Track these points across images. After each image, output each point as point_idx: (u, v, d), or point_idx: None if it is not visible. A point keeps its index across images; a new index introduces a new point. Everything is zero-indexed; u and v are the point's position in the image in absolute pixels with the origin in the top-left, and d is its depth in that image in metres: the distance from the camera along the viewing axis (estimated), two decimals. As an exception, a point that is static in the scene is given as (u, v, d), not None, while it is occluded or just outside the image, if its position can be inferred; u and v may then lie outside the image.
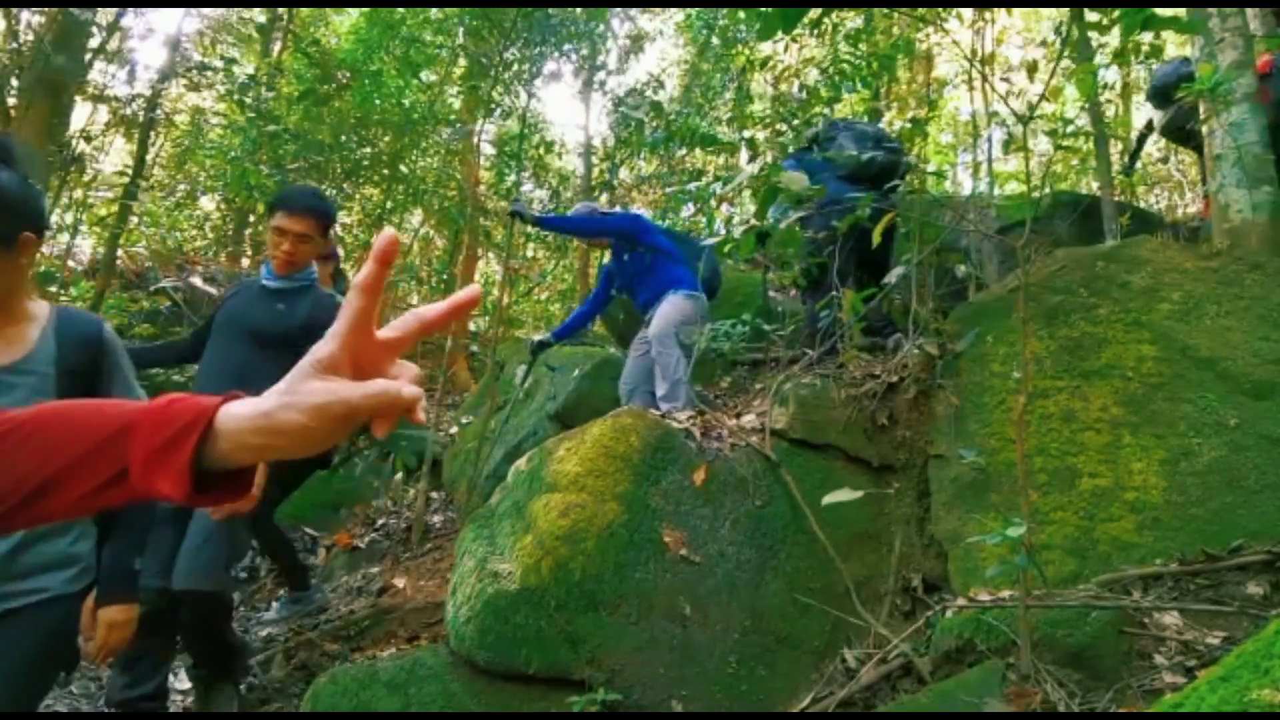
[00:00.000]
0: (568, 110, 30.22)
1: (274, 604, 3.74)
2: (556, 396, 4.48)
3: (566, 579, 2.26)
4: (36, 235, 1.51)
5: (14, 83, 6.04)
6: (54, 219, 7.08)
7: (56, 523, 1.50)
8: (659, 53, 11.64)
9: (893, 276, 3.26)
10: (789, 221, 2.92)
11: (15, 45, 6.12)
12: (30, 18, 6.21)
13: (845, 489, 2.23)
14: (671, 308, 3.82)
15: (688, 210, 7.97)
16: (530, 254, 10.83)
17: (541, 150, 9.05)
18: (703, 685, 2.21)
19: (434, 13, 8.62)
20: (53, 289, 6.26)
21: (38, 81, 5.77)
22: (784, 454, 2.77)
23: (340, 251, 3.62)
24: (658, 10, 10.44)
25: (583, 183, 9.88)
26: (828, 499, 2.24)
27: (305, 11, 9.69)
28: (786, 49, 7.76)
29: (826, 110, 5.39)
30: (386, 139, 8.64)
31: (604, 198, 9.69)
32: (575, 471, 2.52)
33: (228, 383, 2.25)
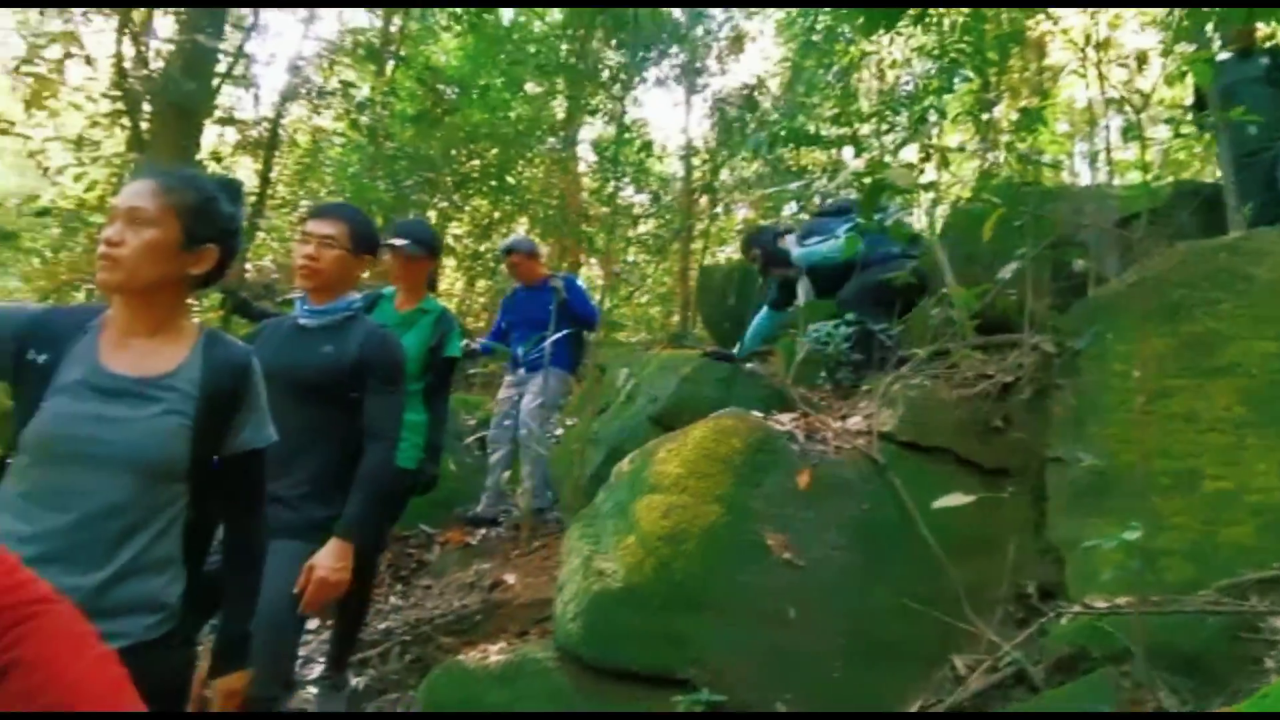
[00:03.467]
0: (668, 114, 30.44)
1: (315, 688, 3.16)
2: (657, 399, 4.51)
3: (669, 579, 2.28)
4: (221, 252, 1.54)
5: (146, 108, 6.57)
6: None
7: (155, 558, 1.45)
8: (759, 52, 11.56)
9: (1006, 272, 3.12)
10: (894, 216, 2.84)
11: (147, 72, 6.65)
12: (160, 45, 6.74)
13: (957, 493, 2.16)
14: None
15: (790, 209, 7.87)
16: (631, 259, 10.95)
17: (642, 155, 9.14)
18: (807, 690, 2.18)
19: (537, 25, 8.86)
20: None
21: (169, 107, 6.26)
22: (891, 457, 2.70)
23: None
24: (758, 10, 10.37)
25: (683, 185, 9.92)
26: (938, 503, 2.17)
27: (415, 31, 10.13)
28: (892, 41, 7.55)
29: (937, 101, 5.22)
30: (493, 151, 8.93)
31: (704, 200, 9.71)
32: (676, 473, 2.54)
33: (280, 448, 2.00)
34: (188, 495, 1.50)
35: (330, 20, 9.39)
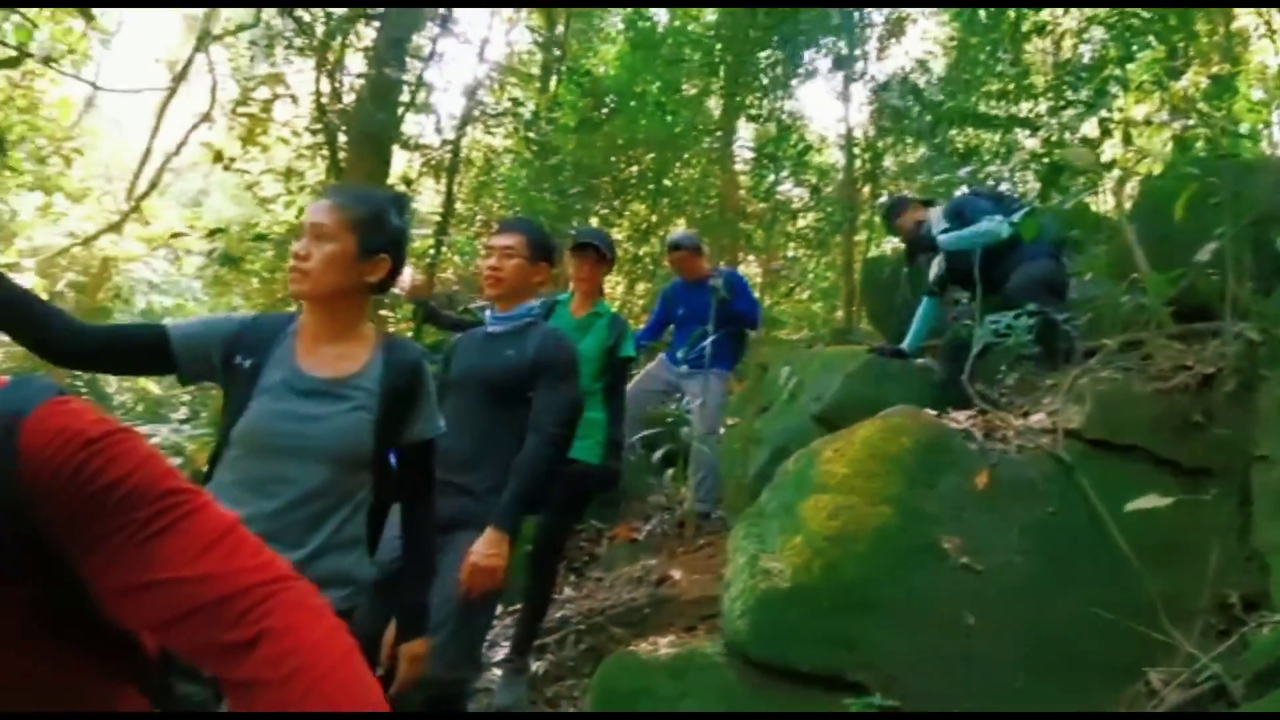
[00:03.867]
0: (826, 104, 29.72)
1: (498, 674, 3.28)
2: (821, 398, 4.44)
3: (838, 580, 2.26)
4: (392, 261, 1.71)
5: (342, 139, 7.23)
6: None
7: (346, 536, 1.67)
8: (921, 33, 11.02)
9: (1204, 253, 2.82)
10: (1074, 200, 2.64)
11: (342, 106, 7.32)
12: (352, 80, 7.39)
13: (1152, 495, 2.00)
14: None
15: (961, 194, 7.47)
16: (791, 254, 10.79)
17: (800, 148, 9.00)
18: (986, 700, 2.09)
19: (692, 28, 8.94)
20: (383, 313, 7.41)
21: (362, 136, 6.86)
22: (1079, 456, 2.52)
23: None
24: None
25: (844, 176, 9.66)
26: (1132, 505, 2.02)
27: (576, 45, 10.53)
28: (1066, 11, 6.99)
29: (1118, 71, 4.78)
30: (650, 155, 9.10)
31: (867, 190, 9.40)
32: (843, 473, 2.50)
33: (471, 443, 2.33)
34: (370, 482, 1.71)
35: (498, 44, 9.93)
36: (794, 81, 8.75)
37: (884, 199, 5.34)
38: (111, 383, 11.22)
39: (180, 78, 10.25)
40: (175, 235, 10.35)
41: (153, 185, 10.77)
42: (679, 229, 11.89)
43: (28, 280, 8.84)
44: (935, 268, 4.23)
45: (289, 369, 1.65)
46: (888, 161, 9.51)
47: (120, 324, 1.81)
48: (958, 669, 2.13)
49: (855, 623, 2.20)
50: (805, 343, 9.61)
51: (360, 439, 1.64)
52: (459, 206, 9.56)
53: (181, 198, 14.19)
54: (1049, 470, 2.49)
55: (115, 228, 10.46)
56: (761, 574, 2.37)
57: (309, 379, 1.65)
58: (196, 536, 0.81)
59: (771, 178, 8.64)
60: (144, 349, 1.65)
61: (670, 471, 5.52)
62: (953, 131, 7.33)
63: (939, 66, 9.47)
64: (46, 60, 8.30)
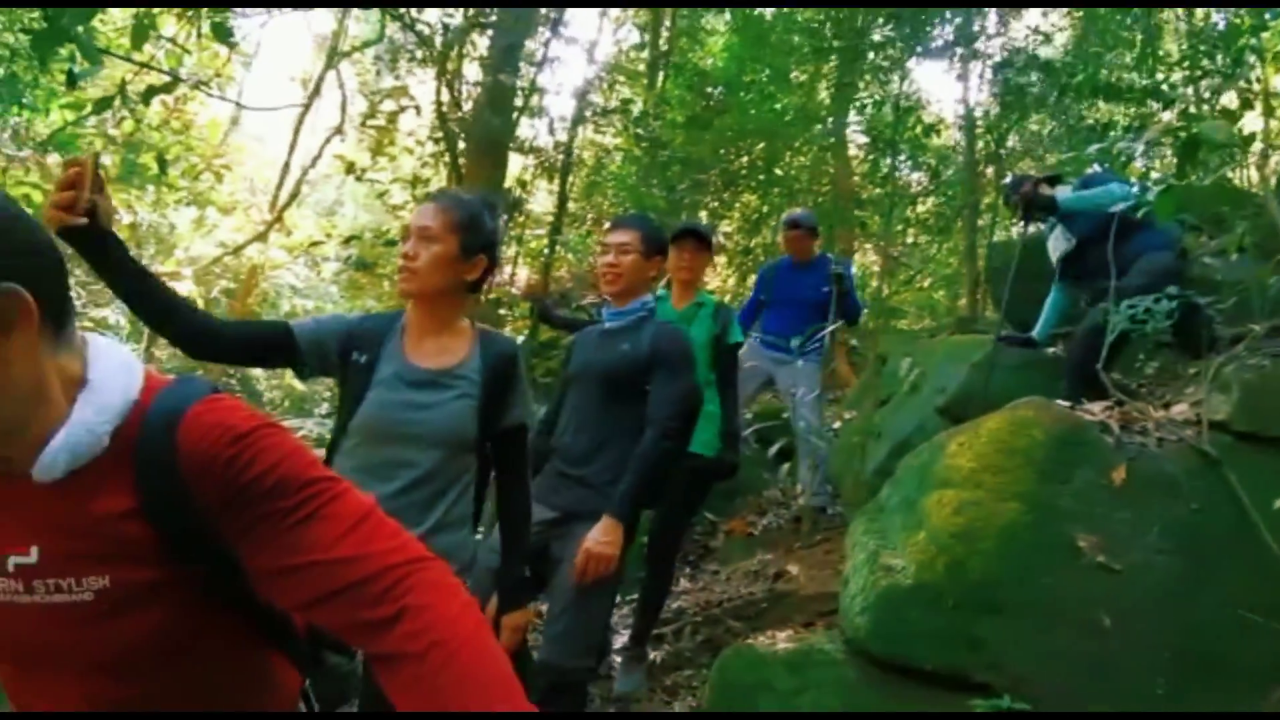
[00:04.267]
0: (944, 84, 28.49)
1: (617, 664, 3.31)
2: (945, 389, 4.28)
3: (963, 578, 2.19)
4: (489, 262, 1.85)
5: (461, 145, 7.52)
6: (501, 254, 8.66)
7: (456, 515, 1.82)
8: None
9: None
10: (1214, 176, 2.43)
11: (461, 114, 7.60)
12: (470, 89, 7.67)
13: (1315, 493, 1.83)
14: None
15: (1092, 171, 6.99)
16: (910, 240, 10.42)
17: (918, 130, 8.67)
18: (1125, 705, 1.98)
19: (801, 16, 8.77)
20: (501, 311, 7.67)
21: (480, 142, 7.12)
22: (1226, 450, 2.34)
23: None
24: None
25: (965, 158, 9.24)
26: (1289, 504, 1.85)
27: (683, 40, 10.54)
28: (1201, -26, 6.41)
29: (1254, 40, 4.34)
30: (760, 145, 9.00)
31: (990, 171, 8.95)
32: (970, 467, 2.42)
33: (589, 437, 2.43)
34: (474, 465, 1.87)
35: (607, 44, 10.08)
36: (910, 62, 8.42)
37: (1006, 179, 4.98)
38: (261, 381, 12.16)
39: (314, 94, 10.96)
40: (314, 243, 11.08)
41: (292, 197, 11.57)
42: (792, 211, 11.71)
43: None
44: (1058, 242, 3.92)
45: (400, 362, 1.79)
46: (1012, 141, 9.02)
47: (249, 321, 1.98)
48: (1093, 672, 2.03)
49: (982, 622, 2.13)
50: (927, 332, 9.27)
51: (466, 424, 1.79)
52: (571, 206, 9.77)
53: (318, 208, 15.15)
54: (1192, 465, 2.32)
55: (261, 237, 11.30)
56: (882, 570, 2.32)
57: (418, 370, 1.79)
58: (339, 522, 0.88)
59: (888, 162, 8.37)
60: (271, 344, 1.79)
61: (786, 466, 5.47)
62: (1081, 106, 6.86)
63: (1063, 39, 8.89)
64: (198, 85, 9.06)
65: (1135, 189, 3.51)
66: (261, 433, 0.89)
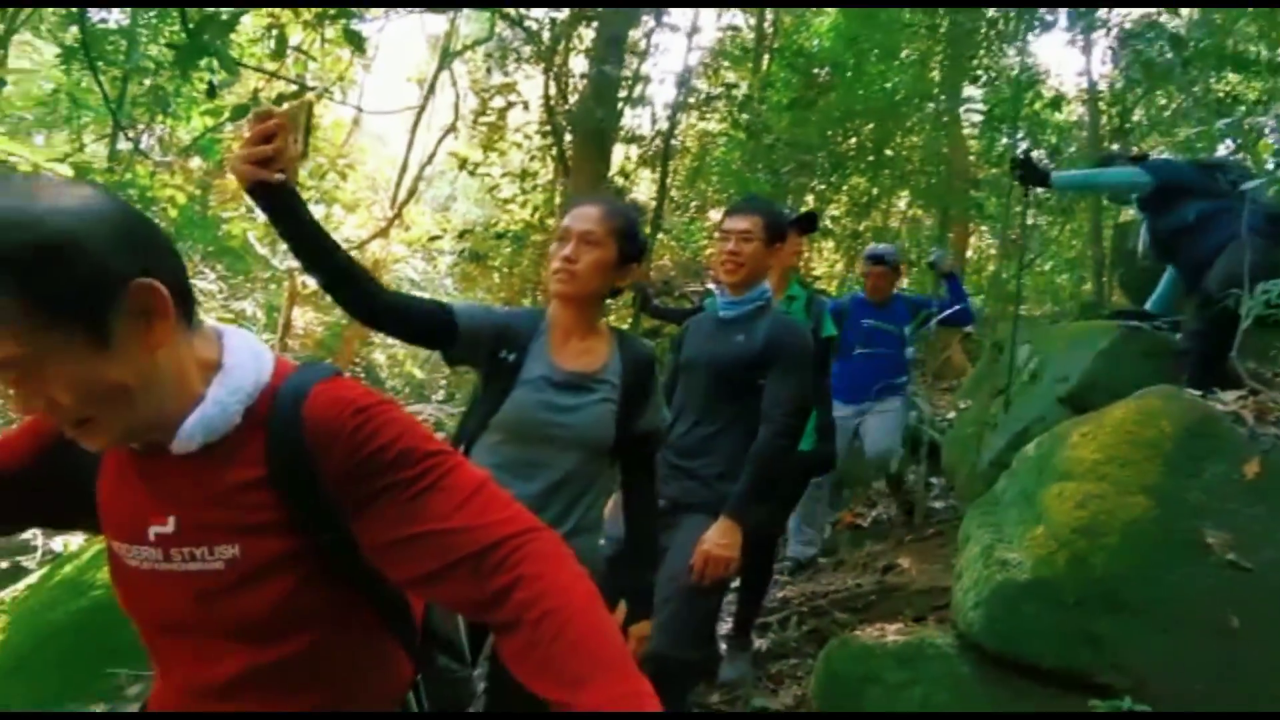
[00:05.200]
0: (1065, 58, 26.76)
1: (723, 659, 3.24)
2: (1068, 378, 4.07)
3: (1085, 575, 2.09)
4: (638, 268, 1.89)
5: (568, 138, 7.64)
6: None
7: (592, 519, 1.81)
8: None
9: None
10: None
11: (568, 107, 7.72)
12: (575, 82, 7.77)
13: None
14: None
15: (1224, 149, 6.43)
16: (1031, 222, 9.90)
17: (1037, 106, 8.22)
18: (1256, 711, 1.84)
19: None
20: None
21: (586, 134, 7.21)
22: (1384, 444, 2.13)
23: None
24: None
25: (1088, 134, 8.69)
26: None
27: (788, 21, 10.34)
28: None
29: None
30: (870, 126, 8.75)
31: (1116, 146, 8.38)
32: (1093, 459, 2.30)
33: (699, 429, 2.40)
34: (609, 469, 1.86)
35: (709, 30, 10.02)
36: (1029, 35, 7.97)
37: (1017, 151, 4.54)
38: (384, 369, 12.82)
39: (428, 94, 11.39)
40: (432, 238, 11.56)
41: (411, 194, 12.09)
42: (900, 203, 11.32)
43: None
44: (1141, 237, 3.70)
45: (546, 363, 1.79)
46: (1138, 115, 8.40)
47: (415, 296, 2.03)
48: (1220, 675, 1.90)
49: (1103, 620, 2.03)
50: (1049, 318, 8.80)
51: (607, 427, 1.79)
52: (674, 194, 9.78)
53: (433, 203, 15.76)
54: (1342, 460, 2.12)
55: (383, 233, 11.88)
56: (998, 565, 2.25)
57: (563, 372, 1.79)
58: (456, 492, 0.91)
59: (1005, 140, 7.97)
60: (432, 322, 1.76)
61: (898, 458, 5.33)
62: (1209, 78, 6.31)
63: (1191, 11, 8.19)
64: (323, 92, 9.59)
65: (1139, 174, 3.28)
66: (381, 407, 0.94)
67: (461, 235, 9.93)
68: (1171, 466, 2.19)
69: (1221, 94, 6.55)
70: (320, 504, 0.91)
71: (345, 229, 12.24)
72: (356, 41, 3.67)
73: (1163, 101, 8.27)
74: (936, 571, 3.66)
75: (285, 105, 1.49)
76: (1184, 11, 7.46)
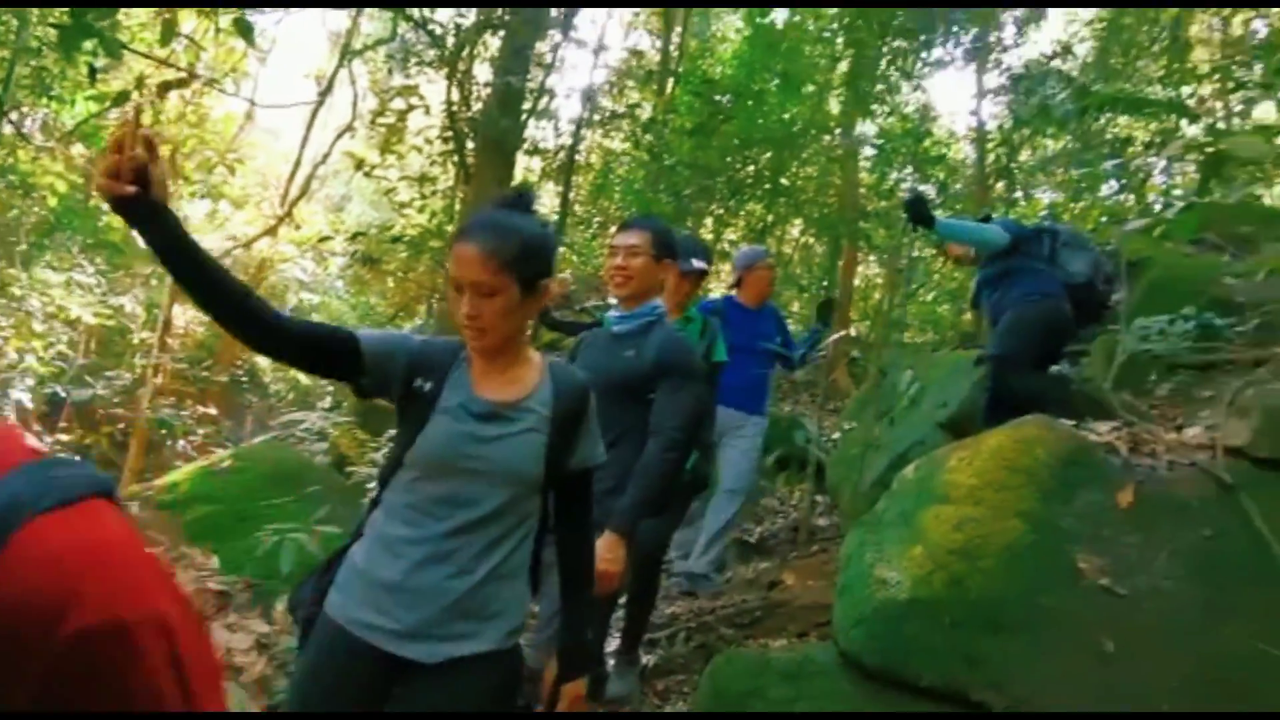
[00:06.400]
0: (955, 97, 28.52)
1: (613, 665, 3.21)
2: (947, 404, 4.26)
3: (962, 596, 2.15)
4: (551, 281, 1.66)
5: (470, 146, 7.51)
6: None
7: (514, 564, 1.62)
8: (1066, 15, 10.35)
9: None
10: (1242, 193, 2.41)
11: (471, 115, 7.60)
12: (480, 90, 7.67)
13: (1332, 521, 1.79)
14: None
15: (1109, 188, 6.94)
16: (915, 254, 10.41)
17: (928, 144, 8.66)
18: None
19: (811, 25, 8.78)
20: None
21: (489, 143, 7.11)
22: (1243, 476, 2.29)
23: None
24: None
25: (975, 171, 9.23)
26: (1306, 532, 1.82)
27: (693, 47, 10.55)
28: (1238, -17, 6.38)
29: None
30: (768, 155, 9.01)
31: (1000, 185, 8.94)
32: (970, 484, 2.38)
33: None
34: (538, 511, 1.69)
35: (617, 49, 10.08)
36: (921, 74, 8.42)
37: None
38: (268, 373, 12.16)
39: (326, 92, 10.98)
40: (323, 239, 11.11)
41: (302, 192, 11.60)
42: (794, 230, 11.71)
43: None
44: (973, 285, 3.98)
45: (465, 392, 1.63)
46: (1024, 155, 9.00)
47: (316, 322, 1.81)
48: (1096, 698, 1.98)
49: (981, 640, 2.09)
50: (931, 346, 9.24)
51: (534, 460, 1.62)
52: (577, 209, 9.76)
53: (327, 203, 15.18)
54: (1205, 490, 2.28)
55: (271, 231, 11.33)
56: (878, 583, 2.29)
57: (483, 402, 1.62)
58: None
59: (895, 175, 8.36)
60: (334, 351, 1.61)
61: (783, 475, 5.44)
62: (1101, 120, 6.83)
63: (1084, 51, 8.88)
64: (212, 81, 9.08)
65: (1004, 235, 3.57)
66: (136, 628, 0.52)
67: (354, 237, 9.57)
68: (1046, 493, 2.28)
69: (1111, 136, 7.01)
70: None
71: (232, 225, 11.62)
72: (246, 32, 3.46)
73: (1049, 143, 8.86)
74: (821, 588, 3.73)
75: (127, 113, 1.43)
76: (1079, 51, 8.04)
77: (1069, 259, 3.59)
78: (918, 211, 3.62)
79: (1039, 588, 2.13)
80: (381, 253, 9.28)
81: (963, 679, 2.06)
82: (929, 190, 8.46)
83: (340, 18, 11.83)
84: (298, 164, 11.42)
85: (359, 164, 8.74)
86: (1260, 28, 6.47)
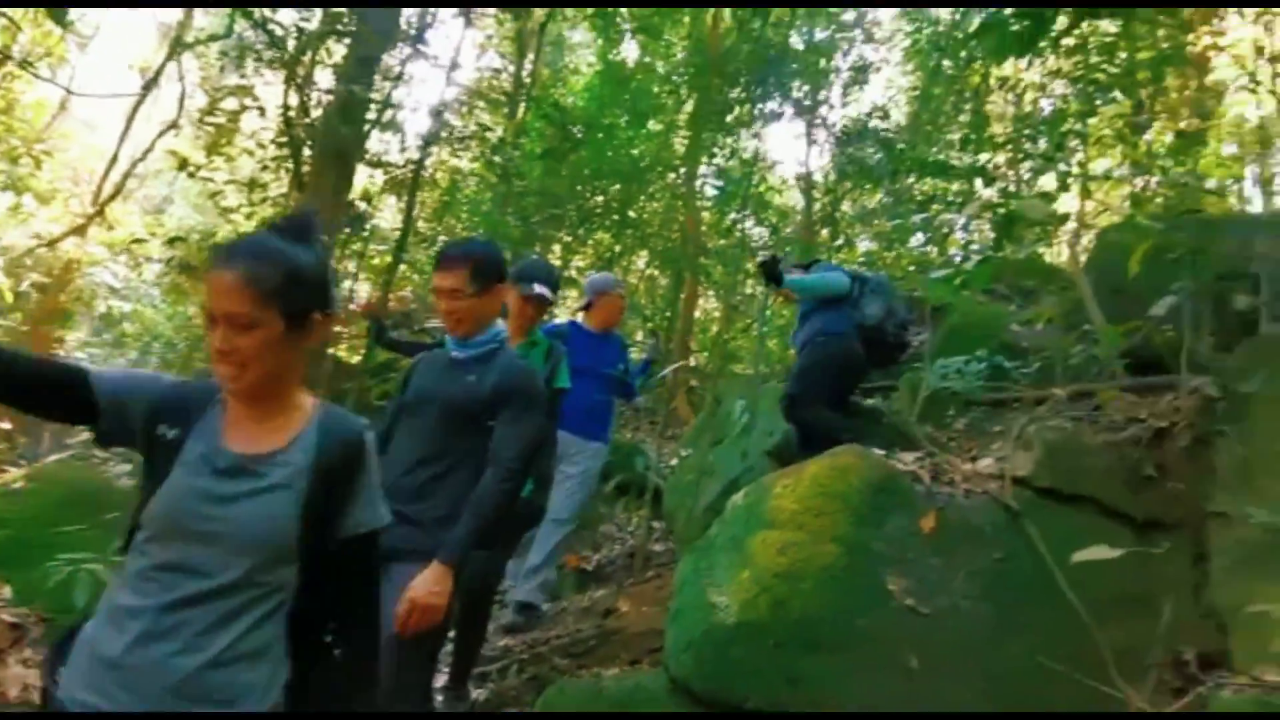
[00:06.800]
0: (789, 146, 30.39)
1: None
2: (774, 433, 4.46)
3: (785, 617, 2.24)
4: (326, 318, 1.44)
5: (307, 153, 7.16)
6: (339, 269, 8.26)
7: (252, 645, 1.35)
8: (885, 80, 11.36)
9: (1160, 308, 2.91)
10: (1029, 250, 2.72)
11: (309, 120, 7.25)
12: (320, 96, 7.34)
13: (1102, 546, 2.03)
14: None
15: (917, 240, 7.62)
16: (749, 291, 10.93)
17: (762, 188, 9.17)
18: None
19: (661, 66, 9.09)
20: (336, 329, 7.28)
21: (327, 151, 6.80)
22: (1028, 504, 2.55)
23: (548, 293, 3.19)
24: (883, 39, 10.22)
25: (803, 218, 9.85)
26: (1079, 556, 2.04)
27: (545, 74, 10.63)
28: (1029, 65, 7.25)
29: (1079, 125, 4.95)
30: (616, 187, 9.19)
31: (825, 232, 9.57)
32: (793, 509, 2.50)
33: (423, 471, 2.25)
34: (298, 581, 1.41)
35: (469, 68, 9.99)
36: (757, 123, 8.92)
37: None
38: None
39: (151, 84, 10.09)
40: (137, 241, 10.16)
41: (118, 190, 10.56)
42: (640, 261, 11.99)
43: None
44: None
45: (210, 442, 1.40)
46: (846, 206, 9.73)
47: (49, 359, 1.54)
48: (903, 711, 2.12)
49: (801, 660, 2.19)
50: (760, 378, 9.67)
51: (282, 522, 1.37)
52: (422, 225, 9.50)
53: (145, 204, 13.93)
54: (997, 517, 2.51)
55: (80, 231, 10.24)
56: (708, 608, 2.34)
57: (230, 455, 1.40)
58: None
59: (733, 216, 8.77)
60: (60, 390, 1.39)
61: (623, 501, 5.48)
62: (911, 179, 7.52)
63: (900, 115, 9.77)
64: (24, 63, 8.12)
65: (844, 279, 3.94)
66: None
67: (173, 242, 8.80)
68: (859, 518, 2.43)
69: (919, 194, 7.72)
70: None
71: (36, 222, 10.38)
72: (58, 16, 3.12)
73: (868, 195, 9.62)
74: (655, 614, 3.77)
75: None
76: (896, 115, 8.79)
77: (868, 303, 3.93)
78: (770, 272, 3.86)
79: (853, 608, 2.26)
80: (203, 260, 8.59)
81: (785, 699, 2.14)
82: (762, 232, 8.94)
83: (173, 9, 10.97)
84: (114, 159, 10.40)
85: (183, 164, 8.09)
86: (1046, 106, 7.42)
